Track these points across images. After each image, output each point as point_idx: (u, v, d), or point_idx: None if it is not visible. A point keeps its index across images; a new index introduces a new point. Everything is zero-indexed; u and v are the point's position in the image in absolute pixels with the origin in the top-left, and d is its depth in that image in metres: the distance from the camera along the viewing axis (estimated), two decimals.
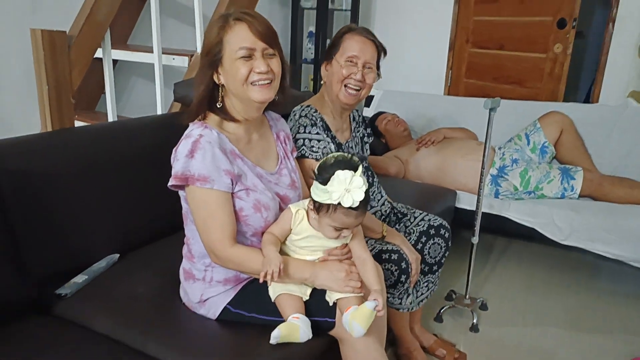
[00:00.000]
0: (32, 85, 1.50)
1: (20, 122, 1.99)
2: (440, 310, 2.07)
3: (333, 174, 1.13)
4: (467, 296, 2.10)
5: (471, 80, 3.49)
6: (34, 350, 1.11)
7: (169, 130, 1.30)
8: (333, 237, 1.20)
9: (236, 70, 1.19)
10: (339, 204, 1.13)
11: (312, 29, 3.51)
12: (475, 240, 2.05)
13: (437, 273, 1.77)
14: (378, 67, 1.65)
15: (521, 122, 2.76)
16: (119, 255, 1.51)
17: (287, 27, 3.52)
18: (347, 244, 1.27)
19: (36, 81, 1.47)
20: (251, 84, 1.21)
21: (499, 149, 2.61)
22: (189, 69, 2.03)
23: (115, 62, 2.45)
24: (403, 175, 2.65)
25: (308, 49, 3.59)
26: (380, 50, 1.64)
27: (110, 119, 1.83)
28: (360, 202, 1.13)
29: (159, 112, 1.98)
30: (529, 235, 2.32)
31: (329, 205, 1.15)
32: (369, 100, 3.41)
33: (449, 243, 1.75)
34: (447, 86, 3.58)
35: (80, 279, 1.38)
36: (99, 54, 1.73)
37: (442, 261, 1.77)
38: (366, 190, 1.14)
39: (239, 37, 1.19)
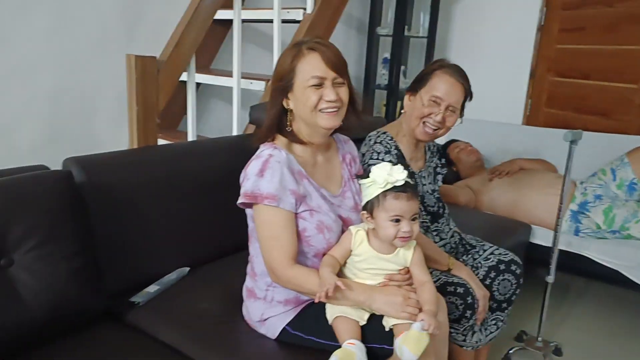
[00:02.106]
0: (123, 106, 1.63)
1: (111, 140, 2.17)
2: (508, 351, 1.95)
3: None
4: (540, 338, 1.96)
5: (552, 110, 3.32)
6: (103, 355, 1.18)
7: (241, 151, 1.36)
8: (393, 235, 1.19)
9: (307, 97, 1.23)
10: (387, 191, 1.17)
11: (387, 55, 3.53)
12: (550, 279, 1.93)
13: (506, 311, 1.68)
14: (462, 109, 1.61)
15: (605, 156, 2.58)
16: (189, 268, 1.58)
17: (362, 53, 3.57)
18: (408, 269, 1.25)
19: (127, 102, 1.60)
20: (320, 110, 1.25)
21: (581, 183, 2.45)
22: (265, 92, 2.12)
23: (198, 85, 2.61)
24: (474, 206, 2.56)
25: (382, 75, 3.61)
26: (468, 93, 1.60)
27: (190, 138, 1.94)
28: (408, 185, 1.18)
29: (234, 133, 2.07)
30: (611, 278, 2.14)
31: (378, 197, 1.18)
32: None
33: (520, 280, 1.66)
34: (525, 116, 3.44)
35: (152, 288, 1.46)
36: (184, 77, 1.85)
37: (513, 299, 1.67)
38: (409, 175, 1.20)
39: (311, 66, 1.23)
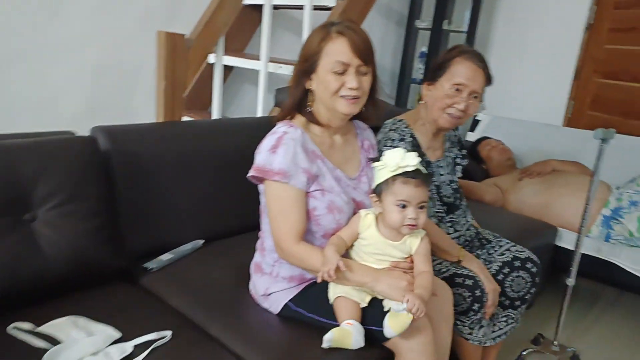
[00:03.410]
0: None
1: (147, 114, 2.26)
2: (522, 352, 1.90)
3: None
4: (556, 342, 1.90)
5: (596, 113, 3.19)
6: (113, 311, 1.24)
7: (262, 131, 1.37)
8: (399, 221, 1.19)
9: (329, 82, 1.24)
10: (397, 175, 1.18)
11: (425, 49, 3.48)
12: (571, 282, 1.87)
13: (519, 309, 1.64)
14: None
15: None
16: (203, 241, 1.63)
17: (399, 47, 3.54)
18: (412, 258, 1.25)
19: (157, 77, 1.66)
20: (340, 96, 1.25)
21: (617, 188, 2.34)
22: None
23: (231, 68, 2.66)
24: (501, 205, 2.50)
25: (418, 69, 3.56)
26: (488, 78, 1.56)
27: (215, 117, 1.99)
28: (418, 172, 1.19)
29: (259, 114, 2.11)
30: None
31: (387, 181, 1.19)
32: (474, 125, 3.28)
33: (536, 279, 1.62)
34: (566, 117, 3.31)
35: (166, 257, 1.52)
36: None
37: (527, 297, 1.63)
38: (422, 163, 1.21)
39: (338, 51, 1.23)
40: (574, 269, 1.85)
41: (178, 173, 1.60)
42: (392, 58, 3.59)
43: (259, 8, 2.44)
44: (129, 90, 2.27)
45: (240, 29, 2.59)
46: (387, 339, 1.20)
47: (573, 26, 3.18)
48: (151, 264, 1.48)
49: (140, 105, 2.30)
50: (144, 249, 1.52)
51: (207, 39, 1.75)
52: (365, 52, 1.24)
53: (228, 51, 2.44)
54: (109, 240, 1.38)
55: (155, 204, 1.55)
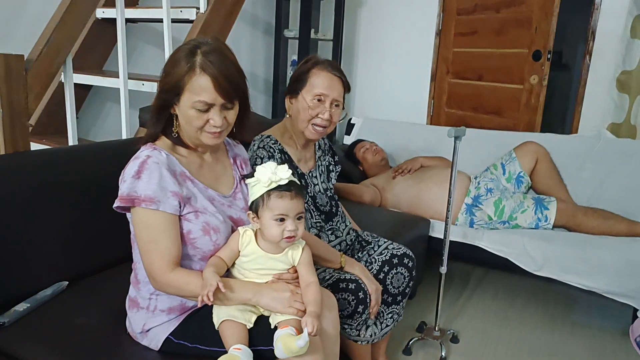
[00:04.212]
0: None
1: None
2: (409, 342, 2.01)
3: None
4: (437, 328, 2.04)
5: (452, 110, 3.51)
6: None
7: (125, 155, 1.27)
8: (278, 234, 1.18)
9: (192, 118, 1.19)
10: (271, 190, 1.18)
11: (295, 57, 3.54)
12: (443, 270, 2.02)
13: (401, 304, 1.73)
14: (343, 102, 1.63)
15: (498, 152, 2.77)
16: (67, 282, 1.47)
17: (270, 55, 3.55)
18: (295, 268, 1.24)
19: None
20: (205, 131, 1.21)
21: (475, 178, 2.59)
22: None
23: (89, 87, 2.46)
24: (379, 204, 2.63)
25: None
26: (346, 85, 1.62)
27: (71, 142, 1.81)
28: (292, 183, 1.19)
29: (124, 136, 1.97)
30: (506, 266, 2.28)
31: (263, 196, 1.18)
32: (349, 128, 3.42)
33: (413, 272, 1.72)
34: (429, 116, 3.60)
35: (22, 307, 1.33)
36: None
37: (407, 291, 1.72)
38: (299, 177, 1.22)
39: (201, 89, 1.17)
40: (445, 258, 2.00)
41: (30, 209, 1.42)
42: (264, 67, 3.59)
43: (114, 22, 2.28)
44: None
45: (96, 45, 2.40)
46: (275, 357, 1.18)
47: (426, 32, 3.47)
48: (3, 318, 1.29)
49: None
50: None
51: (51, 58, 1.58)
52: (230, 90, 1.19)
53: (84, 69, 2.25)
54: None
55: (3, 248, 1.35)
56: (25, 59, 1.50)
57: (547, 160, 2.61)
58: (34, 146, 1.71)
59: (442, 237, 2.33)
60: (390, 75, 3.67)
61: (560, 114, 4.54)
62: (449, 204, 1.93)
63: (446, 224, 1.95)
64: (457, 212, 2.45)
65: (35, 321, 1.31)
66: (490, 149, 2.84)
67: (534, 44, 2.95)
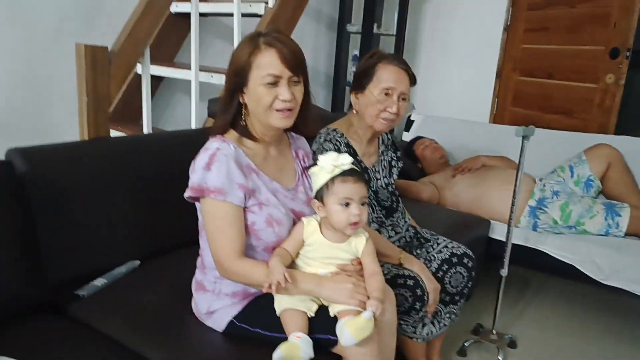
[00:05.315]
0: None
1: (68, 132, 2.12)
2: (464, 344, 1.98)
3: None
4: (494, 331, 1.99)
5: (517, 108, 3.39)
6: (39, 345, 1.16)
7: (195, 144, 1.33)
8: (344, 220, 1.20)
9: (261, 95, 1.23)
10: (335, 176, 1.20)
11: (357, 52, 3.54)
12: (504, 272, 1.97)
13: (459, 304, 1.71)
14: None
15: (567, 154, 2.64)
16: (139, 262, 1.56)
17: (332, 50, 3.57)
18: (359, 260, 1.26)
19: (77, 92, 1.57)
20: (275, 110, 1.24)
21: (540, 180, 2.50)
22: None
23: (161, 78, 2.58)
24: (437, 202, 2.59)
25: (351, 72, 3.62)
26: (412, 78, 1.62)
27: (145, 131, 1.92)
28: (354, 170, 1.22)
29: (193, 126, 2.05)
30: (570, 273, 2.18)
31: (327, 184, 1.21)
32: (408, 125, 3.38)
33: (472, 273, 1.69)
34: (492, 114, 3.49)
35: (99, 282, 1.44)
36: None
37: (465, 291, 1.70)
38: (357, 164, 1.25)
39: (268, 63, 1.21)
40: (506, 260, 1.94)
41: (107, 192, 1.52)
42: (326, 61, 3.62)
43: (186, 16, 2.38)
44: (46, 107, 2.13)
45: (168, 38, 2.51)
46: (335, 346, 1.20)
47: (493, 27, 3.36)
48: (82, 291, 1.39)
49: (61, 122, 2.16)
50: (74, 276, 1.42)
51: (132, 50, 1.68)
52: (295, 63, 1.23)
53: (156, 61, 2.36)
54: (29, 269, 1.29)
55: (81, 228, 1.45)
56: (108, 50, 1.59)
57: (620, 165, 2.46)
58: (112, 133, 1.83)
59: (503, 239, 2.27)
60: (452, 72, 3.60)
61: (637, 115, 4.26)
62: (513, 204, 1.88)
63: (509, 226, 1.90)
64: (519, 214, 2.37)
65: (110, 296, 1.40)
66: (557, 151, 2.72)
67: (612, 42, 2.79)
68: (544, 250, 2.20)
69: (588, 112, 2.98)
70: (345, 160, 1.22)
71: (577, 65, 3.01)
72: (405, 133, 3.36)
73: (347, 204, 1.20)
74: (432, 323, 1.64)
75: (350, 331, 1.11)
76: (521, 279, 2.70)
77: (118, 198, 1.53)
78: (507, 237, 1.92)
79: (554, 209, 2.34)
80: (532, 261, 2.36)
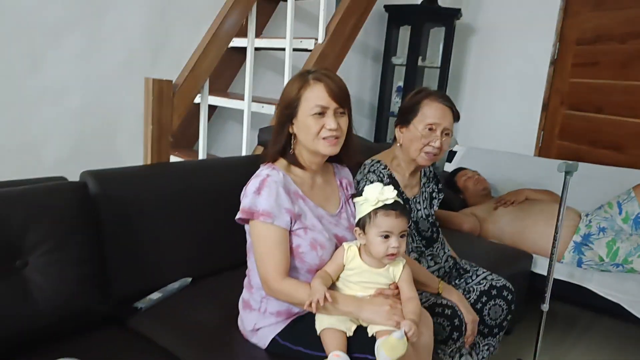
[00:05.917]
0: (142, 126, 1.76)
1: (131, 157, 2.31)
2: None
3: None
4: None
5: (565, 142, 3.35)
6: (102, 355, 1.27)
7: (246, 170, 1.45)
8: (382, 251, 1.26)
9: (310, 125, 1.34)
10: (378, 208, 1.26)
11: (401, 83, 3.63)
12: (544, 307, 1.94)
13: (497, 337, 1.71)
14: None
15: (615, 190, 2.58)
16: (191, 279, 1.67)
17: (377, 81, 3.68)
18: (396, 285, 1.32)
19: (144, 121, 1.73)
20: (322, 138, 1.34)
21: (586, 215, 2.46)
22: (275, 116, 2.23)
23: (215, 107, 2.75)
24: (478, 234, 2.59)
25: (395, 103, 3.70)
26: (456, 115, 1.68)
27: (201, 156, 2.06)
28: (397, 203, 1.28)
29: (244, 153, 2.19)
30: (615, 312, 2.12)
31: (370, 214, 1.27)
32: (451, 156, 3.41)
33: (512, 306, 1.69)
34: (537, 147, 3.47)
35: (155, 295, 1.55)
36: (200, 99, 1.98)
37: (504, 324, 1.70)
38: (399, 195, 1.30)
39: (316, 96, 1.33)
40: (547, 295, 1.93)
41: (166, 213, 1.64)
42: (371, 92, 3.72)
43: (241, 50, 2.54)
44: (112, 134, 2.32)
45: (224, 70, 2.69)
46: None
47: (539, 61, 3.37)
48: (140, 304, 1.51)
49: (124, 148, 2.35)
50: (133, 290, 1.54)
51: (193, 83, 1.83)
52: (341, 96, 1.34)
53: (212, 91, 2.53)
54: (97, 285, 1.41)
55: (143, 245, 1.58)
56: (172, 83, 1.75)
57: None
58: (171, 158, 1.97)
59: (545, 273, 2.25)
60: (497, 104, 3.61)
61: None
62: (555, 240, 1.87)
63: (551, 260, 1.89)
64: (563, 249, 2.34)
65: (165, 310, 1.51)
66: (605, 187, 2.67)
67: None
68: (589, 288, 2.15)
69: (639, 148, 2.91)
70: (390, 195, 1.28)
71: (628, 101, 2.96)
72: (447, 164, 3.39)
73: (387, 236, 1.27)
74: (470, 354, 1.65)
75: (385, 352, 1.16)
76: (568, 317, 2.64)
77: (175, 218, 1.66)
78: (549, 271, 1.91)
79: (600, 246, 2.29)
80: (576, 298, 2.30)
